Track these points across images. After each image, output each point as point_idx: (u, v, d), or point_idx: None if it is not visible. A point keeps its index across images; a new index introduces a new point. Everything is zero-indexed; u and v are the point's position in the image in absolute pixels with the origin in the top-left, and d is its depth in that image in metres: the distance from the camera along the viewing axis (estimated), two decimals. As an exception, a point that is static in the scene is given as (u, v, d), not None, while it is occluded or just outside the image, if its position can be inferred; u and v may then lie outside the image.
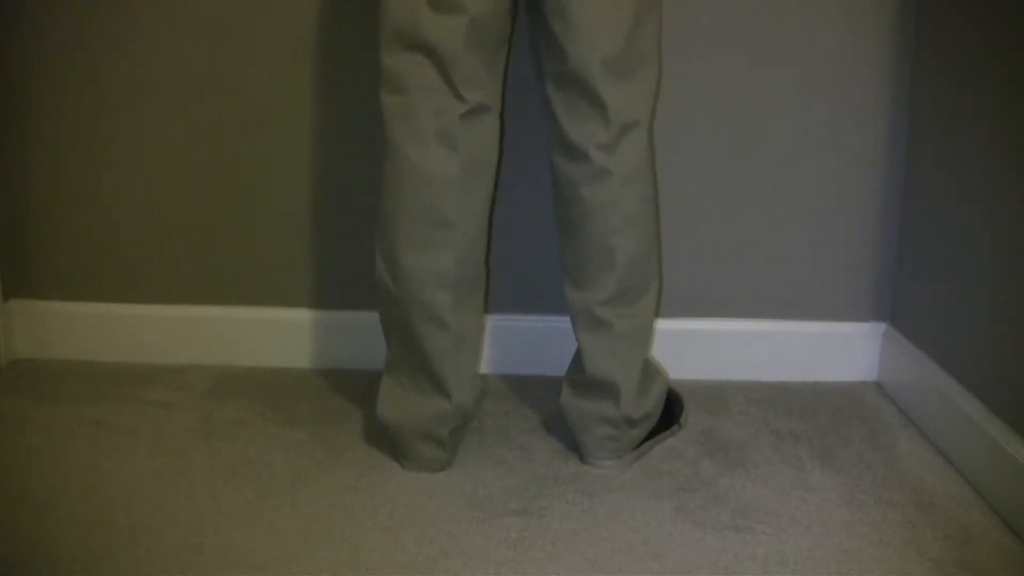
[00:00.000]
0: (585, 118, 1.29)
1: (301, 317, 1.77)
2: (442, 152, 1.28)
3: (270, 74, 1.67)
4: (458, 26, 1.23)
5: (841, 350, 1.75)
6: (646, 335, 1.40)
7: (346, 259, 1.75)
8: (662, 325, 1.74)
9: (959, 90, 1.47)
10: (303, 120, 1.69)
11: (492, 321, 1.75)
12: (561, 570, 1.17)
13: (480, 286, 1.38)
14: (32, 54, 1.68)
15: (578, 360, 1.41)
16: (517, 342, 1.75)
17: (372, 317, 1.75)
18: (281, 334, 1.78)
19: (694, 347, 1.75)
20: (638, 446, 1.44)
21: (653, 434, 1.47)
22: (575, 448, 1.45)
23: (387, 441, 1.43)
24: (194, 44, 1.66)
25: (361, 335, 1.76)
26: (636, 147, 1.31)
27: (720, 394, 1.69)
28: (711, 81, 1.65)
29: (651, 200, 1.36)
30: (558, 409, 1.46)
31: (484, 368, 1.72)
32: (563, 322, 1.63)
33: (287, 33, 1.65)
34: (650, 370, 1.45)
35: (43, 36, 1.67)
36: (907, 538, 1.24)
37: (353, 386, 1.69)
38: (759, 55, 1.64)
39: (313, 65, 1.66)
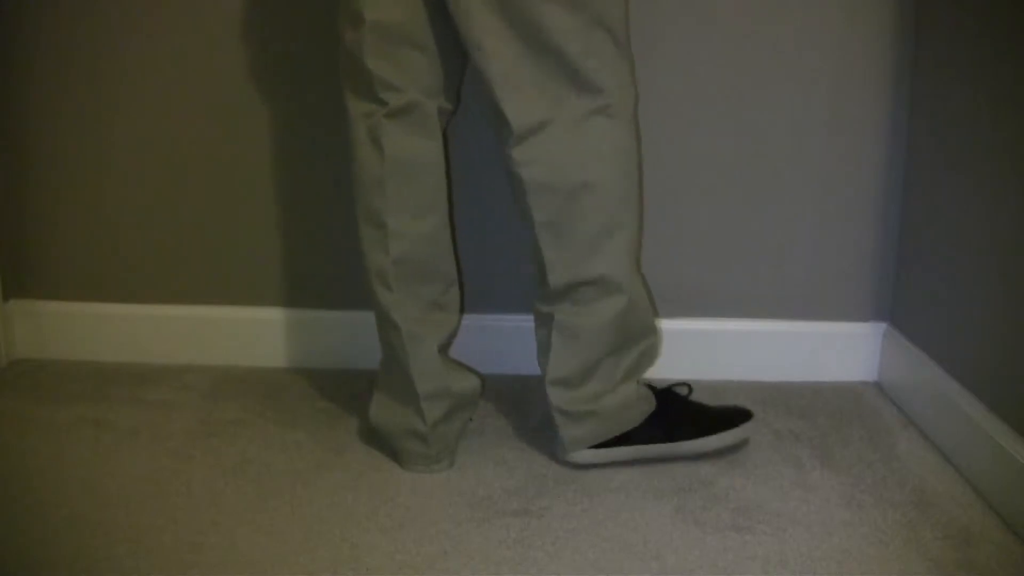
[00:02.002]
0: (497, 124, 1.29)
1: (301, 317, 1.77)
2: (370, 153, 1.31)
3: (268, 74, 1.67)
4: (361, 35, 1.27)
5: (841, 350, 1.75)
6: (596, 335, 1.35)
7: (347, 259, 1.75)
8: (664, 325, 1.73)
9: (959, 90, 1.47)
10: (304, 119, 1.69)
11: (494, 321, 1.75)
12: (561, 570, 1.17)
13: (441, 283, 1.38)
14: (32, 54, 1.68)
15: None
16: (518, 342, 1.75)
17: (371, 317, 1.75)
18: (281, 334, 1.78)
19: (694, 347, 1.75)
20: (608, 446, 1.40)
21: (648, 439, 1.43)
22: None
23: (383, 442, 1.44)
24: (194, 44, 1.66)
25: (361, 335, 1.76)
26: (544, 155, 1.28)
27: (720, 394, 1.69)
28: (711, 81, 1.65)
29: (587, 207, 1.29)
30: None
31: (485, 368, 1.72)
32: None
33: (287, 31, 1.65)
34: (613, 372, 1.39)
35: (43, 36, 1.67)
36: (907, 538, 1.24)
37: (353, 386, 1.69)
38: (759, 55, 1.64)
39: (310, 64, 1.66)
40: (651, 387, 1.47)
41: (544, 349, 1.39)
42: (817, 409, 1.64)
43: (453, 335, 1.44)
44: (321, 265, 1.76)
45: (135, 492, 1.33)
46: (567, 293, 1.34)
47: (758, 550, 1.21)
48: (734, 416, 1.47)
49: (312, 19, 1.64)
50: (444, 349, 1.41)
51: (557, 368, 1.37)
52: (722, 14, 1.62)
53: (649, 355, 1.43)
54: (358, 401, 1.63)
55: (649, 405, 1.43)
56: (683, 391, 1.52)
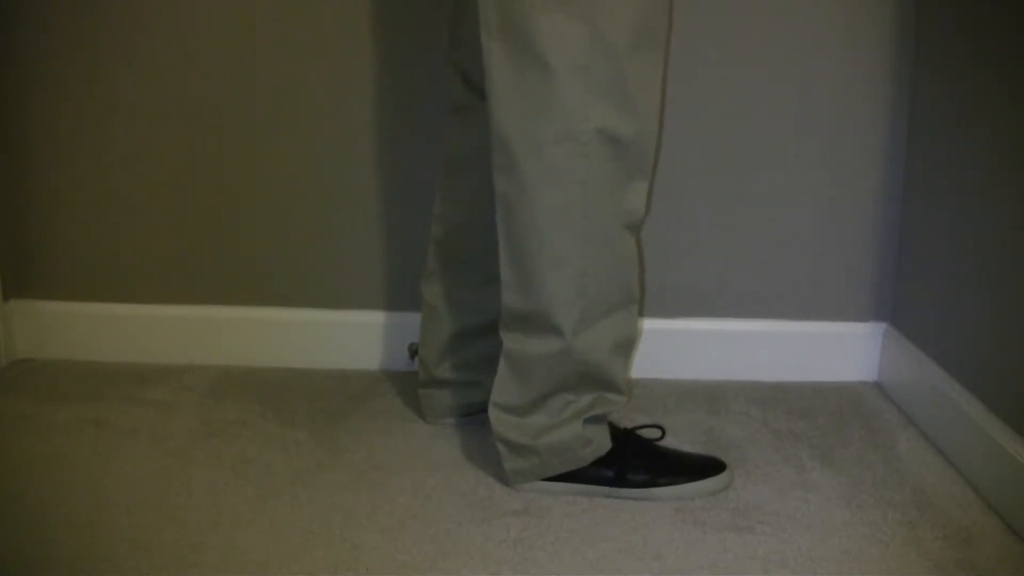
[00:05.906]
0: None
1: (300, 317, 1.77)
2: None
3: (269, 75, 1.67)
4: None
5: (841, 350, 1.75)
6: (541, 366, 1.29)
7: (346, 258, 1.75)
8: (663, 325, 1.74)
9: (959, 90, 1.47)
10: (303, 119, 1.69)
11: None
12: (561, 570, 1.17)
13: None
14: (32, 54, 1.68)
15: None
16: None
17: (371, 317, 1.76)
18: (280, 334, 1.78)
19: (694, 347, 1.75)
20: (551, 479, 1.35)
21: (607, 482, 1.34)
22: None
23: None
24: (194, 43, 1.66)
25: (361, 335, 1.76)
26: (507, 177, 1.22)
27: (720, 394, 1.69)
28: (711, 81, 1.65)
29: (531, 238, 1.23)
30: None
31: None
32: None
33: (288, 31, 1.65)
34: (562, 408, 1.32)
35: (43, 36, 1.67)
36: (907, 538, 1.24)
37: (353, 386, 1.69)
38: (759, 55, 1.64)
39: (311, 64, 1.66)
40: (614, 426, 1.37)
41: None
42: (817, 409, 1.64)
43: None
44: (321, 265, 1.76)
45: (135, 492, 1.33)
46: (515, 323, 1.29)
47: (758, 550, 1.21)
48: (705, 466, 1.36)
49: (312, 18, 1.64)
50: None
51: (501, 393, 1.31)
52: (722, 15, 1.62)
53: (604, 406, 1.33)
54: (358, 401, 1.63)
55: (600, 448, 1.33)
56: (655, 434, 1.40)
